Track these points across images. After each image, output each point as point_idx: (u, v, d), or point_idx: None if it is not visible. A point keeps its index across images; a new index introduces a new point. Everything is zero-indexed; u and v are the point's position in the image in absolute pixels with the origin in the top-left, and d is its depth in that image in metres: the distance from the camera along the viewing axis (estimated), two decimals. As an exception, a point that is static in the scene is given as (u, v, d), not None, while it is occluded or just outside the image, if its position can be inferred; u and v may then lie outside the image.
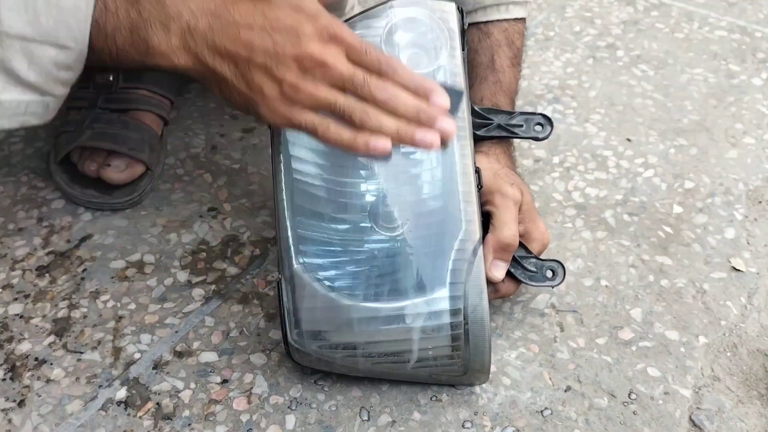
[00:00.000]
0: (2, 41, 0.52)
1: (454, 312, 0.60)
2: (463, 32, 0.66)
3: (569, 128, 0.97)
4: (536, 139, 0.74)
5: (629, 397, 0.66)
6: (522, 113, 0.74)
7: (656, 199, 0.87)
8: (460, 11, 0.66)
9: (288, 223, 0.62)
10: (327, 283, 0.61)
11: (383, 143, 0.55)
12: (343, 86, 0.55)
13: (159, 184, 0.87)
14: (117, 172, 0.83)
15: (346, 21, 0.66)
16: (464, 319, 0.60)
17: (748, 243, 0.81)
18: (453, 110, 0.57)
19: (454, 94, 0.58)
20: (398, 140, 0.55)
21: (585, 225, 0.83)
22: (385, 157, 0.56)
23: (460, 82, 0.64)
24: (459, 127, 0.63)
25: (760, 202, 0.86)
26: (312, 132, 0.56)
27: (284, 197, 0.63)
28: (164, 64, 0.56)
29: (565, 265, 0.70)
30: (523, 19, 0.79)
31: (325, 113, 0.56)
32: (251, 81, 0.55)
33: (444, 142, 0.55)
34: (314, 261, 0.62)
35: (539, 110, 1.00)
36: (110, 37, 0.54)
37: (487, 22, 0.77)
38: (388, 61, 0.55)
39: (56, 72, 0.55)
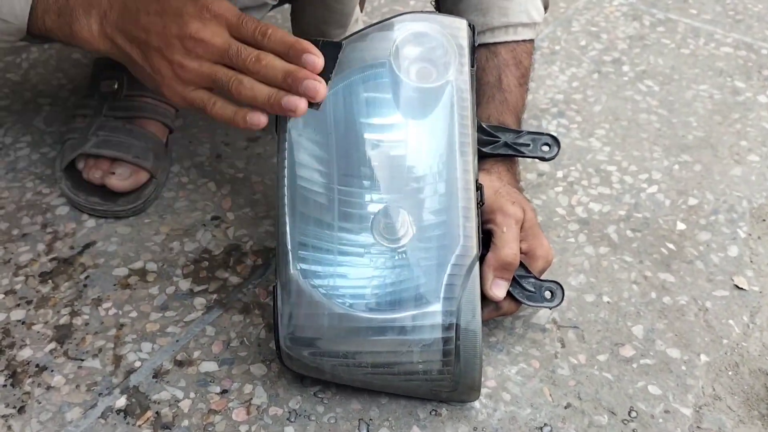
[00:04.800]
0: None
1: (446, 327, 0.60)
2: (473, 49, 0.66)
3: (573, 143, 0.97)
4: (543, 159, 0.74)
5: (629, 415, 0.66)
6: (529, 132, 0.74)
7: (659, 215, 0.86)
8: (471, 28, 0.66)
9: (288, 228, 0.62)
10: (322, 290, 0.61)
11: (257, 118, 0.60)
12: (223, 61, 0.59)
13: (163, 192, 0.87)
14: (121, 179, 0.83)
15: (354, 34, 0.67)
16: (456, 334, 0.60)
17: (751, 261, 0.81)
18: (330, 65, 0.61)
19: (332, 49, 0.61)
20: (270, 109, 0.59)
21: (588, 240, 0.83)
22: (262, 129, 0.61)
23: (467, 98, 0.64)
24: (462, 143, 0.63)
25: (764, 220, 0.86)
26: (202, 109, 0.61)
27: (286, 202, 0.63)
28: (87, 48, 0.63)
29: (564, 287, 0.70)
30: (531, 40, 0.79)
31: (215, 91, 0.61)
32: (152, 63, 0.61)
33: (315, 103, 0.59)
34: (311, 267, 0.62)
35: (544, 124, 1.00)
36: (40, 19, 0.62)
37: (495, 42, 0.77)
38: (263, 30, 0.59)
39: None
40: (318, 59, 0.59)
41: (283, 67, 0.59)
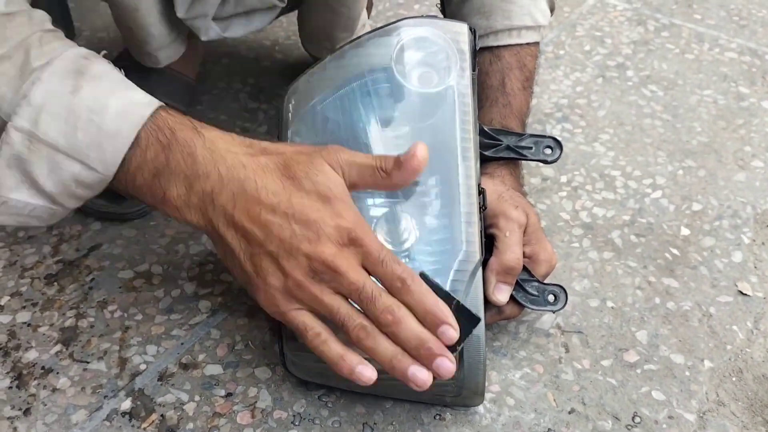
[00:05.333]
0: (32, 143, 0.50)
1: None
2: (474, 53, 0.67)
3: (577, 147, 0.97)
4: (545, 162, 0.74)
5: (633, 421, 0.66)
6: (532, 135, 0.74)
7: (664, 220, 0.87)
8: (472, 32, 0.67)
9: None
10: None
11: (368, 374, 0.53)
12: (350, 296, 0.53)
13: (168, 195, 0.88)
14: (127, 182, 0.83)
15: (358, 38, 0.67)
16: None
17: (755, 267, 0.81)
18: (462, 338, 0.55)
19: (468, 321, 0.55)
20: (389, 370, 0.53)
21: (592, 245, 0.83)
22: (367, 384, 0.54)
23: (469, 103, 0.65)
24: (464, 148, 0.64)
25: (768, 225, 0.86)
26: (302, 333, 0.54)
27: None
28: (173, 215, 0.54)
29: (567, 290, 0.70)
30: (536, 43, 0.79)
31: (321, 317, 0.54)
32: (258, 264, 0.53)
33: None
34: None
35: (548, 129, 1.00)
36: (131, 174, 0.52)
37: (499, 46, 0.77)
38: (403, 279, 0.53)
39: (74, 188, 0.53)
40: (455, 334, 0.53)
41: (419, 333, 0.52)
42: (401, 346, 0.53)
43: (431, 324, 0.53)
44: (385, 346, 0.53)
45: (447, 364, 0.53)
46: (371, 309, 0.52)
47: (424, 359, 0.53)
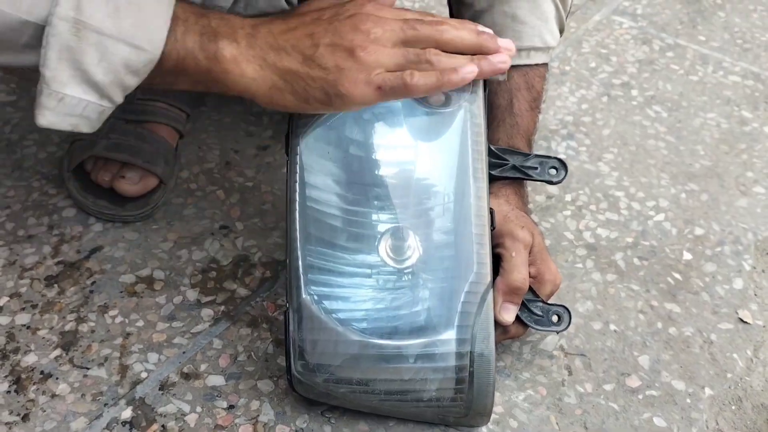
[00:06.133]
0: (79, 31, 0.52)
1: (460, 355, 0.60)
2: None
3: (582, 166, 0.97)
4: (550, 182, 0.74)
5: (635, 447, 0.66)
6: (537, 156, 0.74)
7: (666, 244, 0.87)
8: None
9: (299, 252, 0.62)
10: (335, 315, 0.61)
11: (470, 68, 0.58)
12: (406, 40, 0.58)
13: (171, 198, 0.87)
14: (130, 184, 0.82)
15: None
16: (470, 362, 0.60)
17: (755, 294, 0.82)
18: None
19: None
20: (479, 71, 0.59)
21: (595, 266, 0.83)
22: (466, 85, 0.59)
23: (480, 123, 0.64)
24: (476, 168, 0.64)
25: (769, 253, 0.87)
26: (399, 87, 0.57)
27: (297, 225, 0.62)
28: (231, 71, 0.56)
29: (571, 311, 0.70)
30: (545, 64, 0.79)
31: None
32: (324, 62, 0.56)
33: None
34: (323, 291, 0.62)
35: (553, 146, 1.00)
36: (180, 40, 0.55)
37: None
38: (432, 16, 0.60)
39: (123, 74, 0.55)
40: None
41: (472, 33, 0.59)
42: (467, 51, 0.60)
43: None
44: (458, 56, 0.59)
45: (505, 40, 0.61)
46: (429, 33, 0.58)
47: (492, 44, 0.60)
